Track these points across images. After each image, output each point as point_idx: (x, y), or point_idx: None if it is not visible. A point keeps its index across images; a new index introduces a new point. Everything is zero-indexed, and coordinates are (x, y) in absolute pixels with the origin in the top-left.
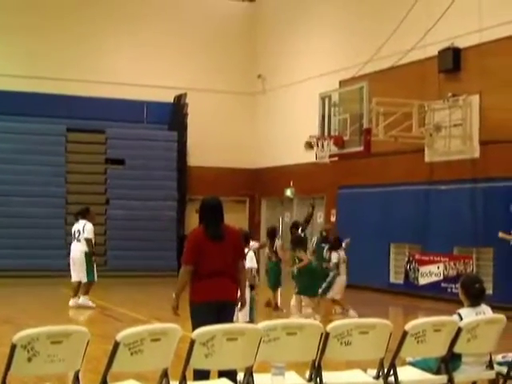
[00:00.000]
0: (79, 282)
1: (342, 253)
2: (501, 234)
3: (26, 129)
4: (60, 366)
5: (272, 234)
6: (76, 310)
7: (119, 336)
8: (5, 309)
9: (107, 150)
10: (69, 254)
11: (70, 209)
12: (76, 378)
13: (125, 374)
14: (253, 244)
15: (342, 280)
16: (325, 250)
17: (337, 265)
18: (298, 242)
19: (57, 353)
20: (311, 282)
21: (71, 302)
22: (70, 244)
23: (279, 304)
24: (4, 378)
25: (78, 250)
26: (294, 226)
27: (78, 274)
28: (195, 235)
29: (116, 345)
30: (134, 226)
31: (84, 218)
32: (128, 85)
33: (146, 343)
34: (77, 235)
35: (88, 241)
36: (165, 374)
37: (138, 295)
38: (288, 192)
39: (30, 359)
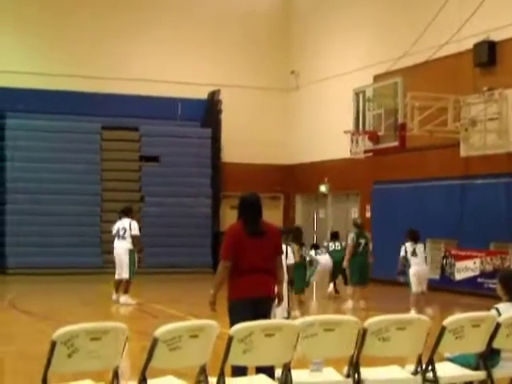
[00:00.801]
0: (121, 280)
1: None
2: None
3: (60, 127)
4: (99, 363)
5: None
6: (114, 307)
7: (157, 332)
8: (43, 306)
9: (141, 147)
10: (104, 251)
11: (105, 206)
12: (115, 374)
13: (163, 370)
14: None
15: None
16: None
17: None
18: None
19: (96, 349)
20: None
21: (114, 297)
22: (107, 242)
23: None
24: (45, 374)
25: (123, 247)
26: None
27: (122, 270)
28: (234, 231)
29: (154, 341)
30: (168, 223)
31: (127, 216)
32: (161, 82)
33: (184, 339)
34: (121, 233)
35: (136, 237)
36: (203, 370)
37: (173, 292)
38: (322, 188)
39: (69, 355)
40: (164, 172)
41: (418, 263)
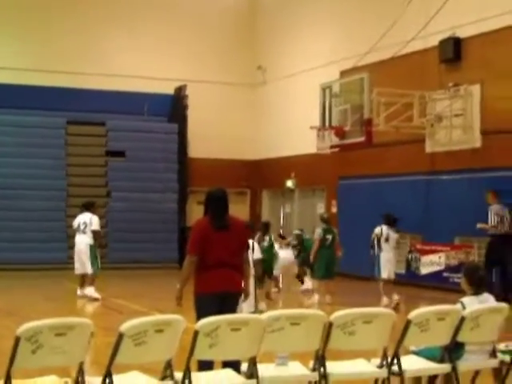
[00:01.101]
0: (84, 274)
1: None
2: (479, 225)
3: (25, 122)
4: (64, 358)
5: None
6: (78, 303)
7: (123, 327)
8: (7, 302)
9: (108, 142)
10: (70, 247)
11: (71, 201)
12: (80, 369)
13: (129, 365)
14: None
15: None
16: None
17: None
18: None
19: (61, 345)
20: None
21: (79, 292)
22: (72, 237)
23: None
24: (8, 370)
25: (83, 242)
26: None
27: (83, 266)
28: (200, 225)
29: (120, 336)
30: (135, 219)
31: (88, 210)
32: (128, 77)
33: (150, 334)
34: (82, 227)
35: (96, 233)
36: (169, 365)
37: (139, 287)
38: (289, 183)
39: (34, 351)
40: (130, 167)
41: (389, 250)
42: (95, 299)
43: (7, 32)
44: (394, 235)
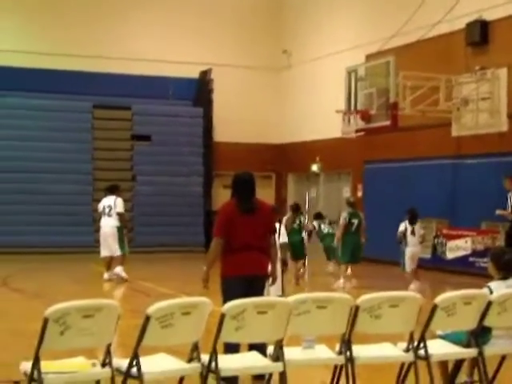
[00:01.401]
0: (110, 257)
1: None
2: (498, 212)
3: (52, 106)
4: (91, 340)
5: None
6: (105, 286)
7: (150, 310)
8: (34, 284)
9: (133, 126)
10: (96, 230)
11: (97, 185)
12: (107, 351)
13: (156, 347)
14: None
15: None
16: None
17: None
18: None
19: (88, 326)
20: None
21: (106, 276)
22: (97, 221)
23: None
24: (37, 351)
25: (110, 225)
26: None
27: (110, 248)
28: (227, 208)
29: (147, 318)
30: (160, 202)
31: (113, 193)
32: (154, 61)
33: (177, 317)
34: (107, 210)
35: (121, 215)
36: (196, 348)
37: (165, 270)
38: (314, 167)
39: (62, 333)
40: (156, 151)
41: (415, 244)
42: (123, 279)
43: (32, 16)
44: (419, 230)
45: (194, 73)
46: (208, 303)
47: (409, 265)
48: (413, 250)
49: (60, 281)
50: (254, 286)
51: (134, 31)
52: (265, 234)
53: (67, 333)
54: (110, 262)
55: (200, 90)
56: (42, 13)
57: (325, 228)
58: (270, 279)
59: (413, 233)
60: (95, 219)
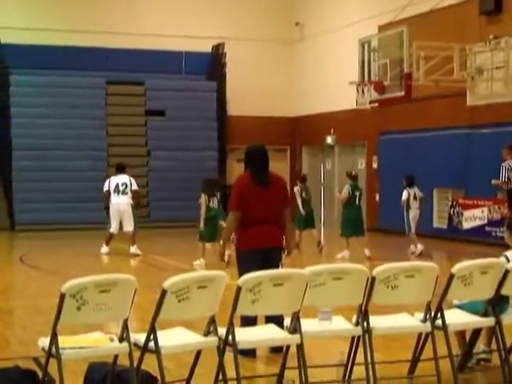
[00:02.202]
0: (112, 234)
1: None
2: (493, 182)
3: (65, 83)
4: (108, 315)
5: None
6: (121, 261)
7: (166, 284)
8: (51, 261)
9: (147, 101)
10: (106, 207)
11: (112, 161)
12: (125, 325)
13: (172, 321)
14: None
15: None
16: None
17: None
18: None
19: (105, 301)
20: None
21: (106, 250)
22: (107, 198)
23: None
24: (54, 326)
25: (125, 202)
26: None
27: (125, 225)
28: (242, 182)
29: (163, 292)
30: (175, 177)
31: (124, 172)
32: (166, 36)
33: (193, 290)
34: (122, 188)
35: (138, 192)
36: (212, 321)
37: (181, 245)
38: (329, 139)
39: (79, 308)
40: (170, 126)
41: (417, 207)
42: (137, 255)
43: None
44: (420, 194)
45: (206, 47)
46: (224, 277)
47: (413, 226)
48: (416, 211)
49: (75, 257)
50: (270, 259)
51: (147, 6)
52: (280, 206)
53: (84, 308)
54: (111, 238)
55: (213, 64)
56: None
57: (303, 193)
58: (286, 251)
59: (414, 197)
60: (104, 197)
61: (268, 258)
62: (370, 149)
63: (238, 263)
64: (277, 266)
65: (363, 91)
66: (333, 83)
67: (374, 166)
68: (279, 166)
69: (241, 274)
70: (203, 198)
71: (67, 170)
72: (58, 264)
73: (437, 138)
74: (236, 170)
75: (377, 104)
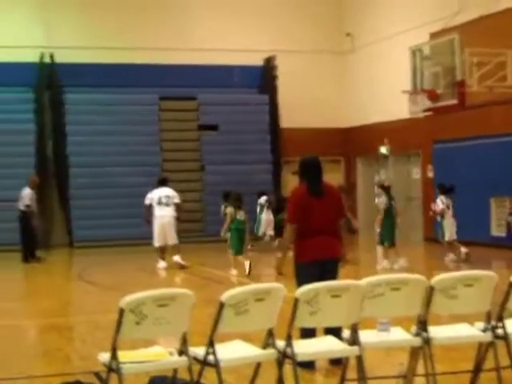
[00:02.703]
0: (164, 246)
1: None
2: None
3: (119, 100)
4: (167, 329)
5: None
6: (177, 276)
7: (224, 297)
8: (108, 277)
9: (200, 116)
10: (148, 220)
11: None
12: (183, 339)
13: (230, 335)
14: None
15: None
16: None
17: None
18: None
19: (164, 315)
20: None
21: (162, 264)
22: (148, 210)
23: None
24: (114, 341)
25: (169, 215)
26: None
27: (169, 237)
28: (298, 193)
29: (221, 306)
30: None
31: (166, 185)
32: (217, 50)
33: (251, 303)
34: (165, 200)
35: (180, 205)
36: (271, 334)
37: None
38: (383, 149)
39: (138, 323)
40: (223, 140)
41: (451, 215)
42: (183, 266)
43: (95, 12)
44: (450, 202)
45: (258, 60)
46: (281, 289)
47: (448, 234)
48: (450, 220)
49: (133, 272)
50: (328, 270)
51: (198, 22)
52: (335, 216)
53: (143, 322)
54: (164, 251)
55: (265, 77)
56: (104, 8)
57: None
58: (341, 262)
59: (448, 206)
60: (146, 209)
61: (326, 269)
62: (424, 158)
63: (296, 275)
64: (334, 278)
65: (416, 100)
66: (385, 93)
67: (430, 175)
68: (333, 177)
69: (299, 285)
70: (229, 211)
71: (122, 186)
72: (116, 280)
73: (492, 146)
74: (290, 182)
75: (430, 112)
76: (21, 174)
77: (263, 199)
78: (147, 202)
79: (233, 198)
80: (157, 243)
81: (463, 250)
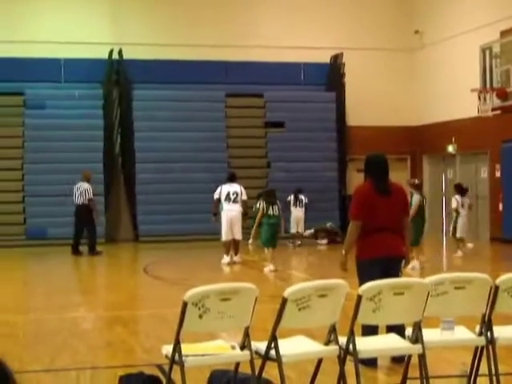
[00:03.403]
0: (229, 242)
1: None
2: None
3: (185, 96)
4: (230, 323)
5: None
6: (240, 271)
7: (287, 292)
8: (173, 271)
9: (266, 113)
10: (215, 214)
11: None
12: (246, 333)
13: (293, 330)
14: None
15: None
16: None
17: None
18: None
19: (226, 309)
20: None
21: (226, 259)
22: (216, 205)
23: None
24: (177, 334)
25: (236, 210)
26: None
27: (236, 232)
28: (363, 190)
29: (284, 301)
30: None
31: (234, 181)
32: (284, 47)
33: (314, 299)
34: (233, 197)
35: (246, 202)
36: (333, 330)
37: (300, 255)
38: (450, 148)
39: (201, 316)
40: (289, 137)
41: (466, 214)
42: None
43: (164, 9)
44: (467, 202)
45: (324, 57)
46: (344, 286)
47: (460, 232)
48: (464, 219)
49: (197, 267)
50: (391, 268)
51: (265, 19)
52: (400, 215)
53: (206, 316)
54: (229, 246)
55: (332, 75)
56: (173, 5)
57: None
58: (404, 262)
59: (462, 205)
60: (214, 204)
61: (388, 267)
62: (492, 157)
63: (359, 272)
64: (397, 276)
65: (485, 98)
66: (454, 91)
67: (497, 174)
68: (399, 176)
69: (361, 282)
70: (261, 205)
71: (188, 181)
72: (181, 274)
73: None
74: (356, 180)
75: (499, 111)
76: (89, 169)
77: (292, 197)
78: (216, 196)
79: (266, 194)
80: (224, 238)
81: (468, 246)
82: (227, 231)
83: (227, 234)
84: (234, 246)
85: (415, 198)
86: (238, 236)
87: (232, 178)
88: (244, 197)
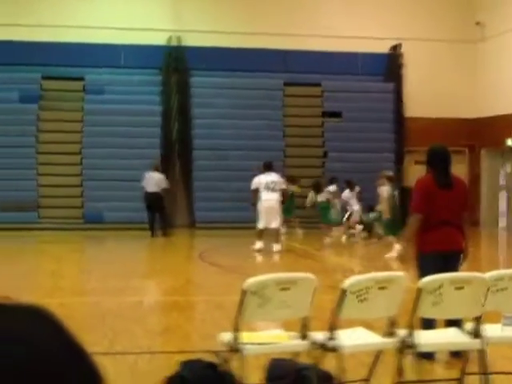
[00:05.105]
0: (263, 229)
1: None
2: None
3: (243, 84)
4: (288, 312)
5: None
6: (295, 259)
7: (346, 283)
8: (228, 258)
9: (323, 102)
10: (253, 203)
11: (288, 162)
12: (304, 324)
13: (352, 321)
14: None
15: None
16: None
17: None
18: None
19: (285, 299)
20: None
21: (258, 245)
22: (255, 195)
23: None
24: (237, 322)
25: (275, 199)
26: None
27: (274, 221)
28: (425, 183)
29: (343, 292)
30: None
31: (272, 170)
32: (342, 37)
33: (373, 291)
34: (272, 186)
35: (286, 191)
36: (392, 322)
37: (354, 246)
38: (510, 142)
39: (260, 305)
40: (346, 127)
41: None
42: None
43: None
44: None
45: (383, 48)
46: (403, 278)
47: None
48: None
49: (252, 255)
50: (450, 262)
51: (324, 8)
52: (461, 209)
53: (265, 305)
54: (262, 234)
55: (390, 65)
56: None
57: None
58: (462, 256)
59: None
60: (253, 194)
61: (448, 261)
62: None
63: (418, 266)
64: (456, 270)
65: None
66: None
67: None
68: (457, 169)
69: (420, 276)
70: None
71: (244, 169)
72: (236, 262)
73: None
74: (413, 171)
75: None
76: (146, 154)
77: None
78: (253, 186)
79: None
80: (260, 225)
81: None
82: (263, 219)
83: (263, 221)
84: (273, 234)
85: (385, 189)
86: (275, 224)
87: (268, 167)
88: (283, 186)
